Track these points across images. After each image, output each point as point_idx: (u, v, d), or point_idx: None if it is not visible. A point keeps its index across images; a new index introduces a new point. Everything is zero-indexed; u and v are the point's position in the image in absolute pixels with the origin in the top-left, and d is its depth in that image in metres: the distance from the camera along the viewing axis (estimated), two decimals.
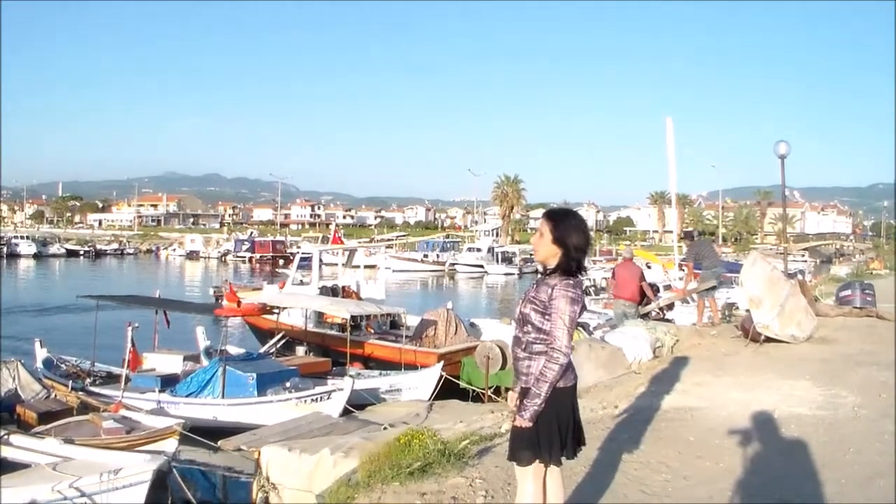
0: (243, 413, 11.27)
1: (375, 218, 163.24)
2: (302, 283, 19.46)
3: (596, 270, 30.85)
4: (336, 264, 22.96)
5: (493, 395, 12.42)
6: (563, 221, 3.33)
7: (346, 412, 10.96)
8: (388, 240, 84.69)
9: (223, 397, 11.54)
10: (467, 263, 61.65)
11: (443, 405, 11.37)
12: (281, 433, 8.81)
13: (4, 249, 68.45)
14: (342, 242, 24.14)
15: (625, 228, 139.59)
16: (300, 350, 15.67)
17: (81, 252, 76.48)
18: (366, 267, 27.77)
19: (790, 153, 14.99)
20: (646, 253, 36.77)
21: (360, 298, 18.07)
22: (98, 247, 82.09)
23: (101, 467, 7.54)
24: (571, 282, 3.25)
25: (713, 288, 12.78)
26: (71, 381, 12.51)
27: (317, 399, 11.33)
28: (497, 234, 75.46)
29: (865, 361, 8.28)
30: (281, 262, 60.33)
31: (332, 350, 15.61)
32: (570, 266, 3.28)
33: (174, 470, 8.17)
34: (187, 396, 11.74)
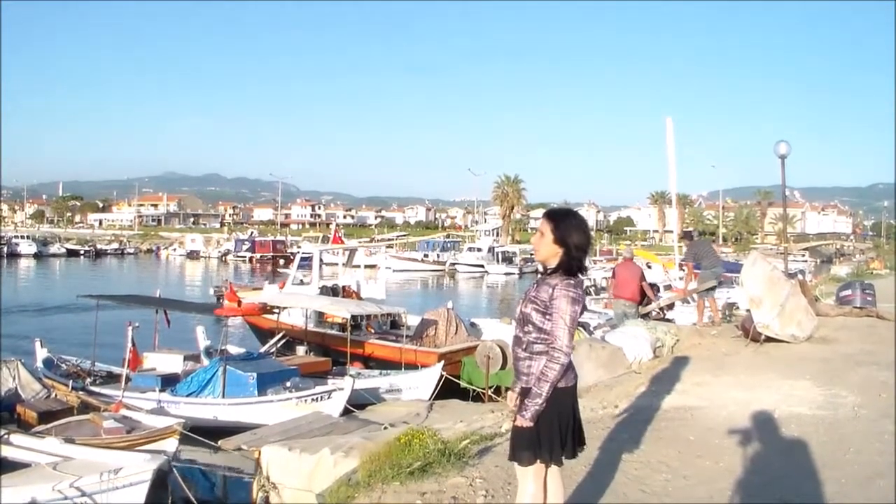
0: (244, 413, 11.27)
1: (376, 218, 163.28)
2: (302, 282, 19.46)
3: (596, 270, 30.87)
4: (336, 264, 22.96)
5: (493, 395, 12.42)
6: (564, 221, 3.33)
7: (346, 412, 10.97)
8: (389, 239, 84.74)
9: (223, 397, 11.54)
10: (468, 263, 61.67)
11: (443, 405, 11.38)
12: (281, 433, 8.82)
13: (5, 249, 68.45)
14: (342, 242, 24.14)
15: (625, 228, 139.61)
16: (300, 350, 15.68)
17: (82, 252, 76.51)
18: (366, 267, 27.75)
19: (790, 153, 14.99)
20: (646, 253, 36.75)
21: (360, 298, 18.08)
22: (98, 246, 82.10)
23: (101, 467, 7.54)
24: (572, 281, 3.25)
25: (712, 288, 12.79)
26: (71, 381, 12.51)
27: (317, 399, 11.34)
28: (497, 234, 75.39)
29: (865, 361, 8.28)
30: (281, 261, 60.34)
31: (332, 350, 15.62)
32: (572, 266, 3.28)
33: (174, 469, 8.17)
34: (188, 396, 11.74)
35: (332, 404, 11.16)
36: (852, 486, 4.45)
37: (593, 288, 24.83)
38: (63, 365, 13.94)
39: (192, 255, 78.70)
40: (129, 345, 13.02)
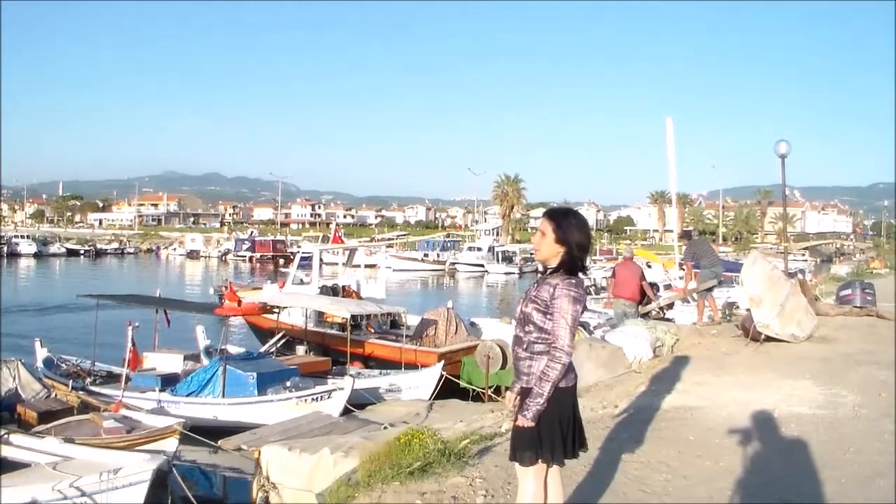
0: (243, 412, 11.27)
1: (376, 217, 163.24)
2: (302, 282, 19.46)
3: (596, 270, 30.88)
4: (336, 264, 22.95)
5: (493, 395, 12.42)
6: (565, 220, 3.33)
7: (346, 412, 10.96)
8: (389, 239, 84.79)
9: (223, 397, 11.54)
10: (468, 263, 61.69)
11: (443, 405, 11.37)
12: (281, 432, 8.82)
13: (5, 249, 68.43)
14: (342, 242, 24.11)
15: (625, 228, 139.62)
16: (300, 349, 15.68)
17: (82, 251, 76.52)
18: (366, 266, 27.73)
19: (790, 153, 14.99)
20: (646, 252, 36.71)
21: (360, 298, 18.07)
22: (98, 246, 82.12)
23: (101, 467, 7.53)
24: (573, 281, 3.25)
25: (710, 287, 12.79)
26: (71, 381, 12.51)
27: (317, 398, 11.33)
28: (497, 234, 75.38)
29: (865, 361, 8.28)
30: (281, 261, 60.35)
31: (332, 349, 15.61)
32: (574, 265, 3.28)
33: (174, 469, 8.18)
34: (187, 396, 11.74)
35: (331, 404, 11.16)
36: (852, 486, 4.45)
37: (593, 287, 24.84)
38: (63, 365, 13.94)
39: (192, 255, 78.68)
40: (129, 344, 13.01)
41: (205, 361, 13.28)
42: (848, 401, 6.52)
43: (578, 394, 3.49)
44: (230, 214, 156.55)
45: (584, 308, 3.42)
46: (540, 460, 3.28)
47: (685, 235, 16.44)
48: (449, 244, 69.63)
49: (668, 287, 20.28)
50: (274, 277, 32.69)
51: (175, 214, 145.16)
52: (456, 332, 15.58)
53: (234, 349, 14.40)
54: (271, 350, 14.86)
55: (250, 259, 70.92)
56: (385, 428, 8.74)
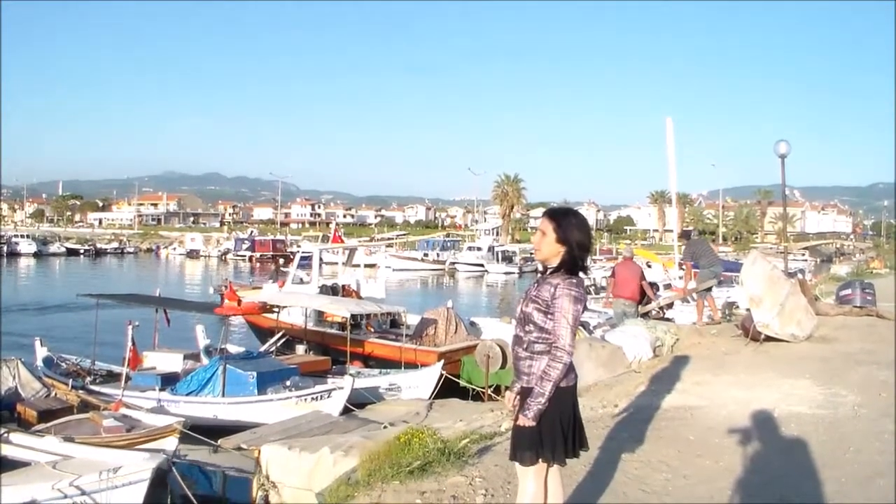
0: (243, 411, 11.26)
1: (376, 217, 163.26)
2: (302, 281, 19.46)
3: (596, 269, 30.85)
4: (336, 263, 22.94)
5: (493, 394, 12.41)
6: (566, 220, 3.33)
7: (346, 411, 10.95)
8: (389, 239, 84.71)
9: (223, 396, 11.53)
10: (467, 262, 61.68)
11: (443, 404, 11.36)
12: (281, 432, 8.81)
13: (5, 248, 68.38)
14: (342, 241, 24.10)
15: (625, 227, 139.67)
16: (300, 349, 15.68)
17: (81, 251, 76.47)
18: (366, 266, 27.77)
19: (790, 152, 14.99)
20: (646, 252, 36.72)
21: (360, 297, 18.06)
22: (98, 245, 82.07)
23: (100, 465, 7.53)
24: (574, 280, 3.25)
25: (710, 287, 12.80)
26: (71, 380, 12.49)
27: (317, 398, 11.33)
28: (497, 233, 75.43)
29: (865, 360, 8.28)
30: (281, 260, 60.37)
31: (332, 349, 15.61)
32: (574, 265, 3.28)
33: (174, 468, 8.17)
34: (187, 395, 11.73)
35: (331, 403, 11.15)
36: (852, 486, 4.45)
37: (593, 287, 24.81)
38: (63, 364, 13.92)
39: (192, 255, 78.68)
40: (129, 344, 12.99)
41: (205, 361, 13.27)
42: (848, 400, 6.52)
43: (578, 393, 3.49)
44: (230, 214, 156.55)
45: (585, 308, 3.42)
46: (540, 460, 3.28)
47: (684, 235, 16.48)
48: (449, 244, 69.61)
49: (667, 287, 20.28)
50: (275, 277, 32.71)
51: (175, 214, 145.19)
52: (456, 332, 15.58)
53: (233, 348, 14.40)
54: (271, 349, 14.85)
55: (250, 259, 70.89)
56: (385, 427, 8.74)
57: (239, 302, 15.70)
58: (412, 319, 16.60)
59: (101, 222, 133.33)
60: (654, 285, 15.37)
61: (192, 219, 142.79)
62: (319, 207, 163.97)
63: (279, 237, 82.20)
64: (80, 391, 11.73)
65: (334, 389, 11.49)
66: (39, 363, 13.64)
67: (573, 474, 4.61)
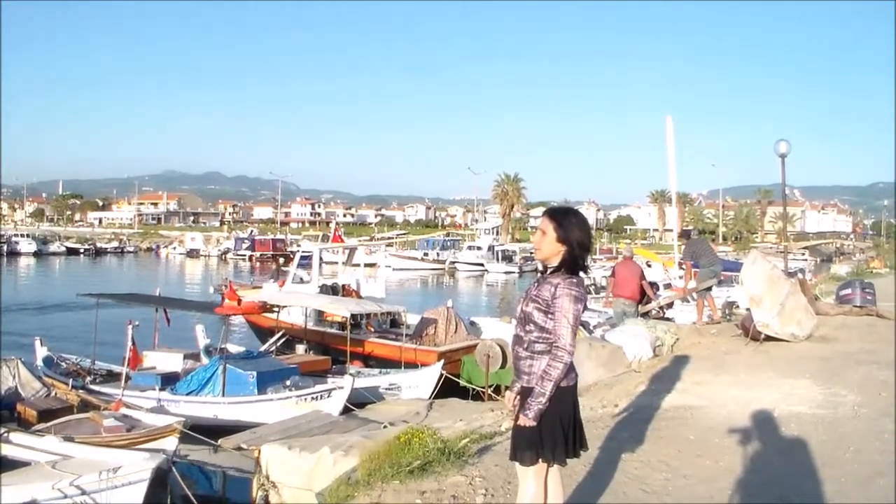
0: (243, 411, 11.26)
1: (376, 216, 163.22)
2: (302, 281, 19.46)
3: (596, 269, 30.85)
4: (336, 263, 22.94)
5: (493, 394, 12.42)
6: (566, 219, 3.33)
7: (346, 410, 10.96)
8: (389, 238, 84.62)
9: (223, 395, 11.53)
10: (467, 262, 61.67)
11: (443, 404, 11.37)
12: (281, 431, 8.82)
13: (5, 247, 68.41)
14: (342, 241, 24.10)
15: (625, 227, 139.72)
16: (300, 348, 15.67)
17: (82, 250, 76.49)
18: (366, 265, 27.69)
19: (790, 152, 14.99)
20: (646, 251, 36.73)
21: (360, 297, 18.06)
22: (98, 245, 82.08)
23: (100, 465, 7.53)
24: (575, 280, 3.25)
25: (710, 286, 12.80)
26: (71, 380, 12.49)
27: (317, 397, 11.33)
28: (497, 233, 75.41)
29: (865, 360, 8.28)
30: (281, 260, 60.34)
31: (332, 348, 15.61)
32: (575, 264, 3.28)
33: (174, 468, 8.17)
34: (187, 395, 11.73)
35: (331, 403, 11.15)
36: (852, 485, 4.45)
37: (593, 287, 24.80)
38: (63, 363, 13.92)
39: (192, 254, 78.70)
40: (129, 343, 12.99)
41: (205, 360, 13.27)
42: (848, 400, 6.52)
43: (578, 393, 3.49)
44: (230, 213, 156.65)
45: (585, 307, 3.42)
46: (540, 460, 3.28)
47: (684, 235, 16.47)
48: (449, 243, 69.55)
49: (667, 286, 20.29)
50: (276, 276, 32.72)
51: (175, 213, 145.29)
52: (456, 331, 15.58)
53: (233, 348, 14.40)
54: (271, 349, 14.86)
55: (250, 258, 70.87)
56: (385, 427, 8.74)
57: (239, 301, 15.68)
58: (412, 319, 16.60)
59: (101, 221, 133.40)
60: (654, 285, 15.37)
61: (192, 218, 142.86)
62: (319, 207, 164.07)
63: (279, 236, 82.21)
64: (80, 391, 11.73)
65: (334, 389, 11.49)
66: (39, 363, 13.65)
67: (573, 474, 4.61)
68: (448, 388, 12.76)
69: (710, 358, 8.99)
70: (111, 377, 13.15)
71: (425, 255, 65.32)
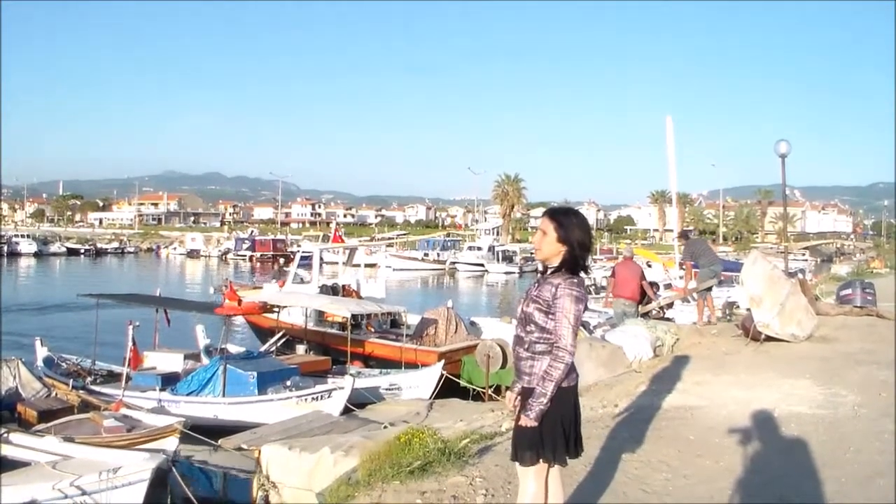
0: (244, 411, 11.26)
1: (376, 216, 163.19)
2: (302, 281, 19.45)
3: (596, 269, 30.83)
4: (336, 263, 22.95)
5: (493, 394, 12.41)
6: (567, 219, 3.33)
7: (346, 411, 10.96)
8: (389, 238, 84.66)
9: (224, 396, 11.53)
10: (468, 262, 61.68)
11: (443, 404, 11.37)
12: (281, 432, 8.82)
13: (5, 248, 68.39)
14: (343, 241, 24.09)
15: (625, 227, 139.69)
16: (300, 349, 15.67)
17: (82, 251, 76.51)
18: (366, 266, 27.69)
19: (791, 152, 14.99)
20: (646, 252, 36.74)
21: (360, 297, 18.06)
22: (98, 245, 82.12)
23: (101, 465, 7.53)
24: (575, 280, 3.25)
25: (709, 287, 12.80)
26: (71, 380, 12.49)
27: (317, 398, 11.33)
28: (498, 233, 75.37)
29: (865, 360, 8.28)
30: (281, 260, 60.33)
31: (332, 349, 15.61)
32: (575, 264, 3.28)
33: (174, 468, 8.17)
34: (188, 395, 11.73)
35: (332, 403, 11.15)
36: (852, 485, 4.45)
37: (593, 287, 24.80)
38: (63, 364, 13.93)
39: (193, 254, 78.71)
40: (130, 344, 12.99)
41: (205, 361, 13.27)
42: (848, 400, 6.52)
43: (579, 393, 3.49)
44: (230, 214, 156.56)
45: (586, 307, 3.42)
46: (541, 460, 3.28)
47: (683, 235, 16.45)
48: (449, 244, 69.59)
49: (668, 286, 20.28)
50: (278, 276, 32.74)
51: (175, 214, 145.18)
52: (456, 332, 15.58)
53: (234, 348, 14.40)
54: (271, 349, 14.85)
55: (250, 258, 70.89)
56: (385, 427, 8.74)
57: (239, 302, 15.68)
58: (412, 319, 16.60)
59: (101, 222, 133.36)
60: (654, 285, 15.36)
61: (192, 218, 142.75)
62: (320, 207, 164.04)
63: (279, 237, 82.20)
64: (81, 391, 11.72)
65: (334, 389, 11.48)
66: (40, 363, 13.65)
67: (573, 474, 4.61)
68: (448, 389, 12.76)
69: (710, 358, 8.99)
70: (111, 377, 13.15)
71: (425, 255, 65.35)
